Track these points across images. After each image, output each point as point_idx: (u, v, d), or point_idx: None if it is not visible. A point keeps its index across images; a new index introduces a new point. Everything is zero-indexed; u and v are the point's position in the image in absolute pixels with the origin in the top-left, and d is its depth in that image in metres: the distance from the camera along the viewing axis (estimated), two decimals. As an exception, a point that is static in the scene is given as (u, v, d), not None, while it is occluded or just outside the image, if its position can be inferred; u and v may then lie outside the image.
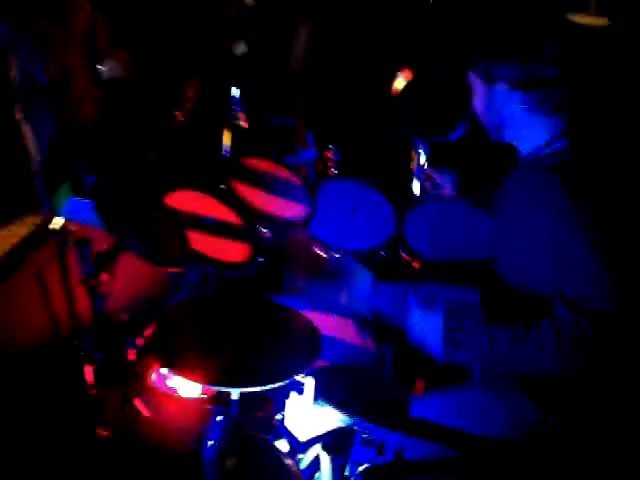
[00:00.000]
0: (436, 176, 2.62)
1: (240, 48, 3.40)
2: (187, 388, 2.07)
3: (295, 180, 2.77)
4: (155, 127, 3.41)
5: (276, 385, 1.62)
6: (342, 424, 1.85)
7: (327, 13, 3.82)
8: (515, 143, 1.77)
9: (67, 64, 3.00)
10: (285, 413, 1.94)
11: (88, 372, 2.12)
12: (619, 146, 1.73)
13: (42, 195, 2.84)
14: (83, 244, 1.95)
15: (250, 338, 1.78)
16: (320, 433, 1.88)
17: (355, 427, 1.84)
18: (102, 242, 2.01)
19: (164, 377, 2.11)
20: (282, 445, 1.89)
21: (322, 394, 1.86)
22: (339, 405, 1.84)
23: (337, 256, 2.50)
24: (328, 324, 2.09)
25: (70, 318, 2.31)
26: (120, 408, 2.14)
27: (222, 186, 2.48)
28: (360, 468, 1.84)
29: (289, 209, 2.59)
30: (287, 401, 1.93)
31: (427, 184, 2.69)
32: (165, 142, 3.41)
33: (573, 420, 1.68)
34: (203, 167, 3.08)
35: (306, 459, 1.89)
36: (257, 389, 1.61)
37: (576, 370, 1.50)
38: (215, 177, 2.53)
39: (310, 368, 1.74)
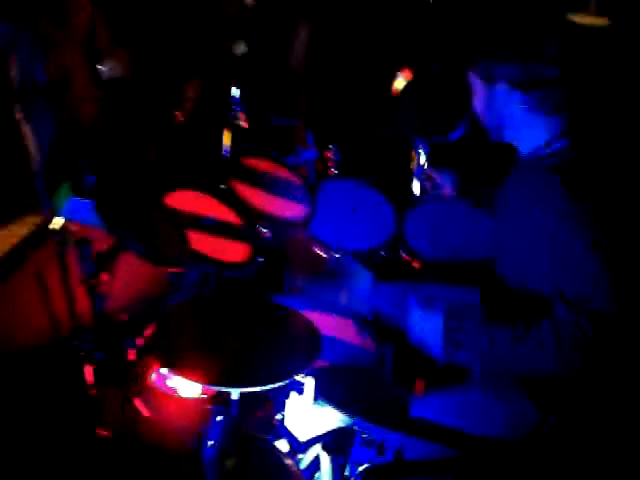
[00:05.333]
0: (436, 176, 2.62)
1: (240, 48, 3.40)
2: (187, 388, 2.07)
3: (295, 180, 2.77)
4: (155, 127, 3.41)
5: (276, 385, 1.62)
6: (342, 424, 1.85)
7: (327, 13, 3.82)
8: (515, 143, 1.77)
9: (67, 64, 2.99)
10: (285, 413, 1.94)
11: (88, 372, 2.12)
12: (619, 146, 1.73)
13: (42, 195, 2.83)
14: (83, 244, 1.95)
15: (250, 338, 1.77)
16: (320, 433, 1.88)
17: (355, 427, 1.84)
18: (102, 242, 2.00)
19: (164, 377, 2.11)
20: (282, 445, 1.89)
21: (322, 394, 1.86)
22: (339, 405, 1.84)
23: (337, 256, 2.50)
24: (328, 324, 2.09)
25: (70, 318, 2.31)
26: (120, 408, 2.14)
27: (222, 186, 2.48)
28: (360, 468, 1.84)
29: (289, 209, 2.59)
30: (287, 401, 1.93)
31: (427, 184, 2.69)
32: (165, 142, 3.41)
33: (573, 420, 1.68)
34: (203, 167, 3.07)
35: (306, 459, 1.89)
36: (257, 389, 1.61)
37: (576, 370, 1.50)
38: (215, 177, 2.53)
39: (310, 368, 1.74)
